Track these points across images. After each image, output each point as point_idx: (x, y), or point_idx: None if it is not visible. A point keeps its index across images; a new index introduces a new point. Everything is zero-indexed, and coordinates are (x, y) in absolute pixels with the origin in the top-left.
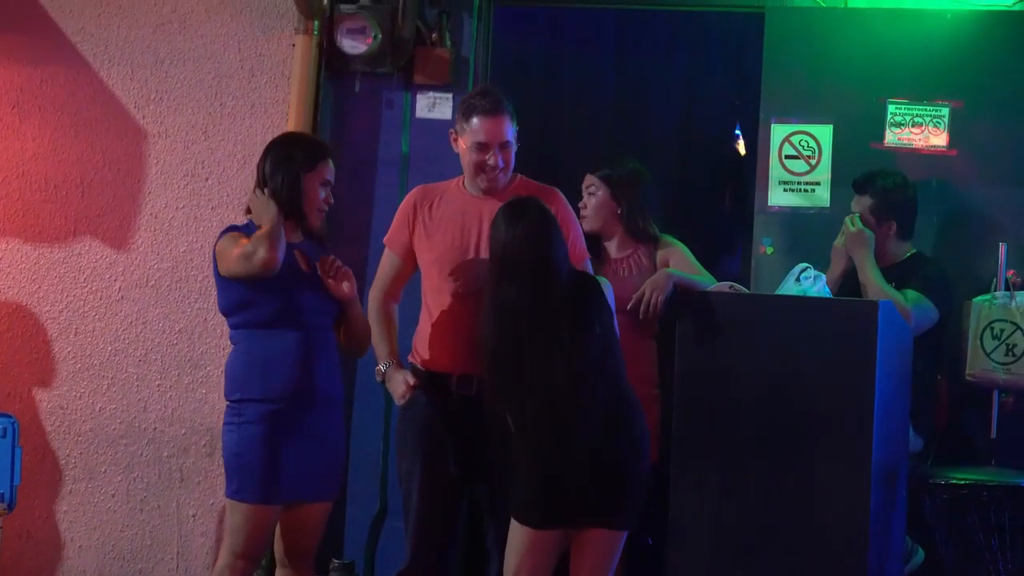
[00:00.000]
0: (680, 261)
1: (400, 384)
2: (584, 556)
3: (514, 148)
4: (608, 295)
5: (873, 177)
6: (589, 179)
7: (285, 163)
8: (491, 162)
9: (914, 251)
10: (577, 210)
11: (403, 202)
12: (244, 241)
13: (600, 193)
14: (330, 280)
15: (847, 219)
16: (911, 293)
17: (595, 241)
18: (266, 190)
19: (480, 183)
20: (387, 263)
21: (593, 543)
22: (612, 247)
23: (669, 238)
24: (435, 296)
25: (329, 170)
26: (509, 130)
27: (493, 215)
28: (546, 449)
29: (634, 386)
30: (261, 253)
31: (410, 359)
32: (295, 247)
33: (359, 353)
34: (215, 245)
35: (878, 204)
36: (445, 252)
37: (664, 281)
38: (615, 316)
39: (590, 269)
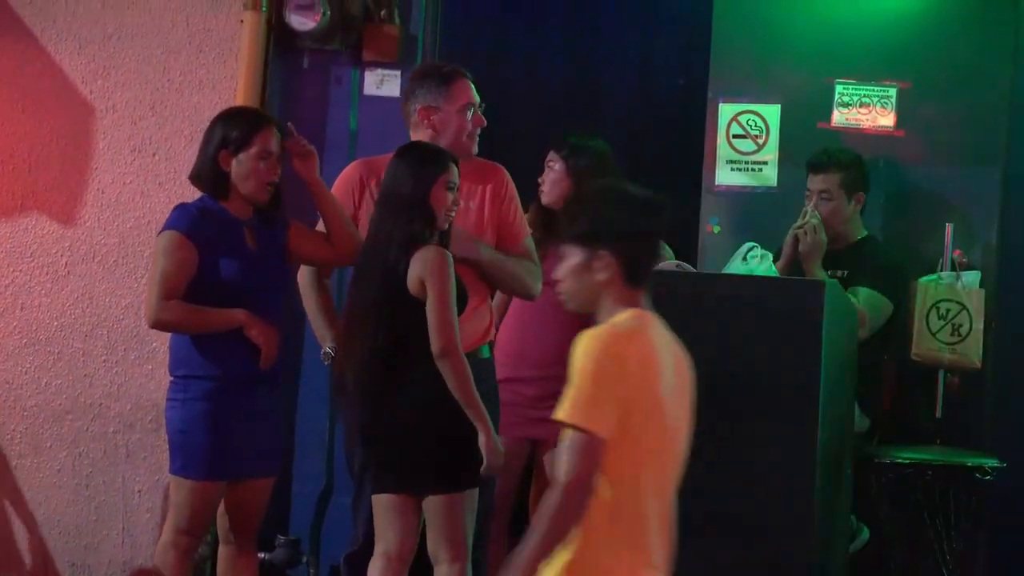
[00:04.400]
0: None
1: None
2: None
3: None
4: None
5: (833, 153)
6: (551, 155)
7: (205, 144)
8: (477, 120)
9: (866, 233)
10: (535, 185)
11: (344, 176)
12: (175, 259)
13: (557, 168)
14: (297, 159)
15: (812, 224)
16: (863, 291)
17: (553, 215)
18: None
19: (467, 147)
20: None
21: (431, 508)
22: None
23: None
24: None
25: (270, 141)
26: None
27: None
28: (365, 415)
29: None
30: (150, 315)
31: None
32: (244, 223)
33: (354, 251)
34: (160, 232)
35: (848, 177)
36: None
37: None
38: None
39: (532, 247)
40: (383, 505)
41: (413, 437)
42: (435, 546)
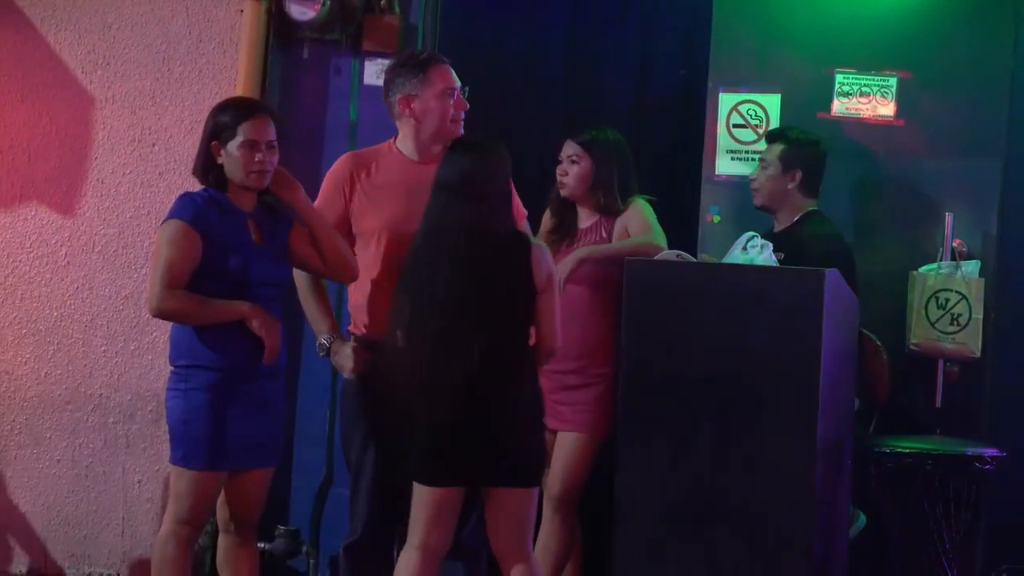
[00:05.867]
0: (633, 223)
1: (349, 358)
2: (494, 516)
3: None
4: (545, 257)
5: (787, 129)
6: (571, 146)
7: (202, 137)
8: (460, 104)
9: (812, 208)
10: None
11: (334, 171)
12: (179, 248)
13: (583, 163)
14: (284, 192)
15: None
16: None
17: (572, 208)
18: None
19: (453, 132)
20: None
21: (498, 503)
22: (582, 216)
23: (637, 199)
24: (378, 263)
25: (256, 130)
26: None
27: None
28: (438, 405)
29: (588, 362)
30: (153, 304)
31: (350, 329)
32: (249, 216)
33: (347, 273)
34: (164, 220)
35: (787, 151)
36: (392, 219)
37: (566, 266)
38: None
39: (527, 228)
40: (433, 499)
41: (517, 431)
42: (510, 542)
